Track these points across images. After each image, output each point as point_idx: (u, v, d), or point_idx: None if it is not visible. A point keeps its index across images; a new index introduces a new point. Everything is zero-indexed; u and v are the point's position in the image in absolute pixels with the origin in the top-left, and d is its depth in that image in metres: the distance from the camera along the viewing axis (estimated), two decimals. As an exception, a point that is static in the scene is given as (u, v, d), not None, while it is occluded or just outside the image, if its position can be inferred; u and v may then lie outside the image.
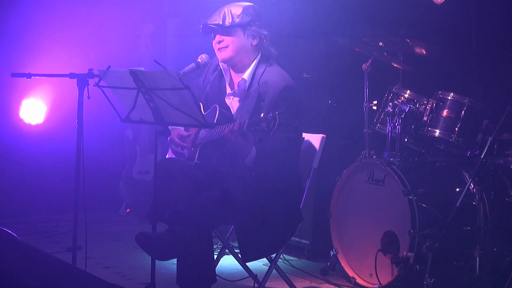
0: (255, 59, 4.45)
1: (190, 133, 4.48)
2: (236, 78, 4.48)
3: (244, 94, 4.40)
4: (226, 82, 4.51)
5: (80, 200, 4.16)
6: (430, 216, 4.73)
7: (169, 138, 4.44)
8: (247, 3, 4.47)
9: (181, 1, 7.03)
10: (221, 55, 4.44)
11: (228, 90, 4.50)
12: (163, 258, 4.18)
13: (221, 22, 4.38)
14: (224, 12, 4.39)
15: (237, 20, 4.37)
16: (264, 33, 4.46)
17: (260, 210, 4.24)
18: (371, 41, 5.43)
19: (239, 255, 4.41)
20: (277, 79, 4.34)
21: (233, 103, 4.47)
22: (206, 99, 4.55)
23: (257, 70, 4.42)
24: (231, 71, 4.51)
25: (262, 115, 3.95)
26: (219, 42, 4.41)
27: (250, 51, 4.44)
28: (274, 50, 4.50)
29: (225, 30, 4.38)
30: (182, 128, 4.54)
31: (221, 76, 4.54)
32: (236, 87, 4.45)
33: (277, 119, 3.91)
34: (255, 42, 4.43)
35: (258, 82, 4.36)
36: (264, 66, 4.43)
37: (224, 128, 4.16)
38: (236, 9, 4.40)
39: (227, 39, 4.40)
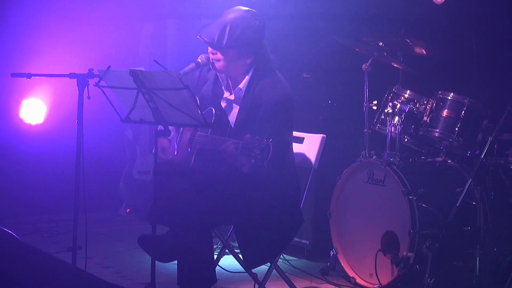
0: (250, 70, 4.36)
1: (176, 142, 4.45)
2: (232, 84, 4.44)
3: (239, 102, 4.37)
4: (223, 86, 4.49)
5: (80, 200, 4.16)
6: (430, 216, 4.73)
7: (153, 151, 4.40)
8: (251, 19, 4.30)
9: (181, 1, 7.02)
10: (213, 66, 4.39)
11: (224, 93, 4.47)
12: (166, 260, 4.18)
13: (215, 41, 4.26)
14: (223, 28, 4.25)
15: (234, 43, 4.24)
16: (262, 50, 4.35)
17: (258, 213, 4.23)
18: (371, 41, 5.43)
19: (242, 260, 4.39)
20: (271, 90, 4.26)
21: (228, 107, 4.44)
22: (202, 99, 4.53)
23: (253, 80, 4.34)
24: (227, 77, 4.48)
25: (256, 138, 3.91)
26: (212, 53, 4.35)
27: (243, 66, 4.35)
28: (273, 57, 4.42)
29: (218, 48, 4.30)
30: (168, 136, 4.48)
31: (217, 78, 4.51)
32: (233, 93, 4.43)
33: (271, 149, 3.88)
34: (249, 61, 4.34)
35: (253, 91, 4.31)
36: (260, 76, 4.33)
37: (220, 143, 4.14)
38: (235, 27, 4.25)
39: (219, 55, 4.31)
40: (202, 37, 4.33)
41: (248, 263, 4.33)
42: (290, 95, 4.33)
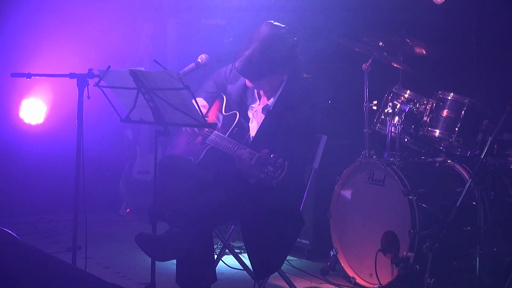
0: (282, 85, 4.38)
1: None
2: (263, 94, 4.44)
3: (265, 114, 4.38)
4: (252, 95, 4.49)
5: (80, 200, 4.16)
6: (430, 216, 4.73)
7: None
8: (281, 38, 4.26)
9: (181, 1, 7.03)
10: (248, 82, 4.39)
11: (251, 102, 4.47)
12: (162, 259, 4.18)
13: (250, 73, 4.26)
14: (255, 57, 4.21)
15: (267, 71, 4.25)
16: (295, 64, 4.36)
17: (262, 215, 4.20)
18: (371, 41, 5.43)
19: (253, 271, 4.34)
20: (296, 110, 4.27)
21: (254, 116, 4.45)
22: (229, 98, 4.52)
23: (282, 97, 4.36)
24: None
25: (272, 156, 3.91)
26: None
27: (277, 83, 4.37)
28: (302, 59, 4.44)
29: (254, 80, 4.32)
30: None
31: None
32: (260, 104, 4.43)
33: (285, 170, 3.88)
34: (285, 77, 4.37)
35: (280, 108, 4.32)
36: (290, 93, 4.35)
37: (235, 148, 4.14)
38: (267, 54, 4.22)
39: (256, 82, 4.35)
40: (236, 67, 4.31)
41: (259, 275, 4.32)
42: (314, 117, 4.38)
